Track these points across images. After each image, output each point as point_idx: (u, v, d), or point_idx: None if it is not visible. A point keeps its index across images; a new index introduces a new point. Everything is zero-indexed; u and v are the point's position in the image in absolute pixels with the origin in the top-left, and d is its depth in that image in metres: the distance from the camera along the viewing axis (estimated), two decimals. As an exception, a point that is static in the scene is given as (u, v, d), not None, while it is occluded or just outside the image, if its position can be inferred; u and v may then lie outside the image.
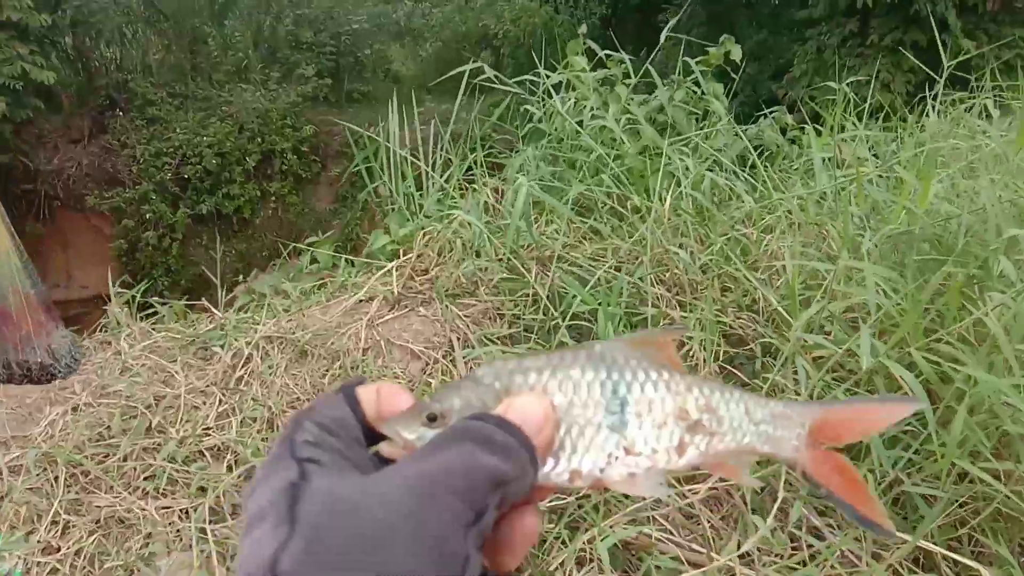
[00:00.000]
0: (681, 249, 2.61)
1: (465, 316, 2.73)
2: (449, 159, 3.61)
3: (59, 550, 2.05)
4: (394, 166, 3.58)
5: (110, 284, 3.44)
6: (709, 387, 0.54)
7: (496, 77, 3.38)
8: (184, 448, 2.33)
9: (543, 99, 3.61)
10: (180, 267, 14.24)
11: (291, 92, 13.73)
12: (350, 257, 3.36)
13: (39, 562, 2.01)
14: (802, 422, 0.55)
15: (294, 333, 2.77)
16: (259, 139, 13.26)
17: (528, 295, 2.70)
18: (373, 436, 0.50)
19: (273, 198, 14.60)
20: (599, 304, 2.38)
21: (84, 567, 2.03)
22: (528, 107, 3.69)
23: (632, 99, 3.54)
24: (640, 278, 2.68)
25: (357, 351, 2.66)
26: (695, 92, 3.67)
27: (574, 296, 2.47)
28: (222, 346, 2.74)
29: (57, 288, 15.11)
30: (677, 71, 3.67)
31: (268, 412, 2.45)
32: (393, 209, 3.55)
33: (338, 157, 14.43)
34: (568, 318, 2.45)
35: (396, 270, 2.99)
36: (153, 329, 2.91)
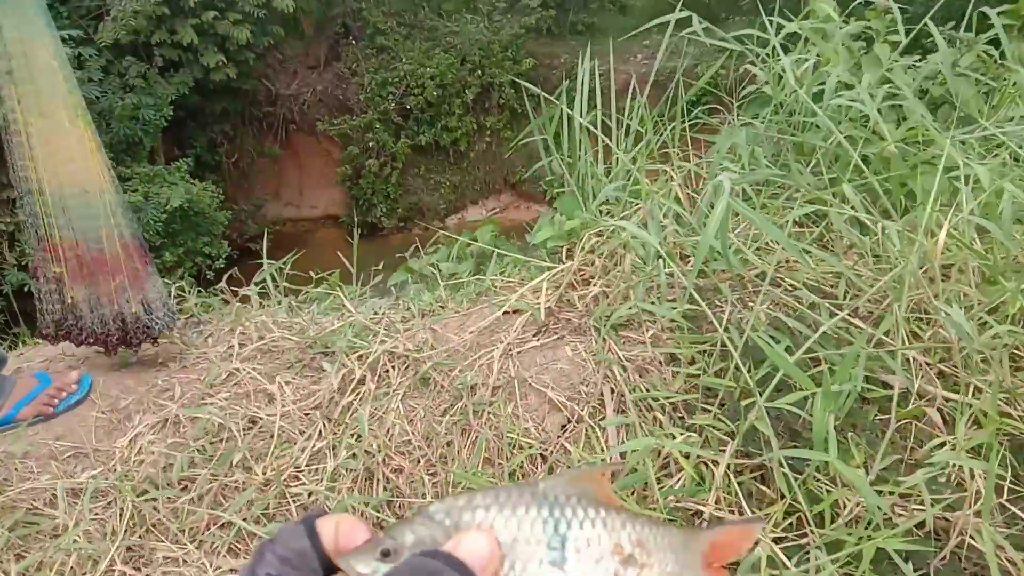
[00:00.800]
0: (952, 306, 1.75)
1: (628, 359, 2.07)
2: (640, 130, 2.88)
3: (109, 609, 1.75)
4: (571, 135, 2.92)
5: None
6: (640, 523, 0.59)
7: (708, 28, 2.57)
8: (267, 494, 1.94)
9: (770, 57, 2.75)
10: (398, 195, 14.64)
11: (514, 23, 13.30)
12: (505, 252, 2.79)
13: (82, 624, 1.72)
14: (701, 548, 0.62)
15: (420, 351, 2.28)
16: (479, 71, 13.04)
17: (716, 342, 1.99)
18: (332, 568, 0.54)
19: (488, 132, 14.46)
20: (814, 390, 1.62)
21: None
22: (751, 66, 2.85)
23: (896, 63, 2.58)
24: (886, 333, 1.87)
25: (486, 388, 2.12)
26: (990, 57, 2.62)
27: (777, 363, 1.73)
28: (346, 352, 2.32)
29: (290, 206, 16.22)
30: (965, 24, 2.63)
31: (369, 460, 1.99)
32: (564, 191, 2.91)
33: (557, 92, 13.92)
34: (769, 391, 1.73)
35: (550, 280, 2.38)
36: (274, 325, 2.56)
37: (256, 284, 2.88)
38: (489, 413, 2.05)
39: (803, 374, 1.66)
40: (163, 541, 1.86)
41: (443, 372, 2.19)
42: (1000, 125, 2.45)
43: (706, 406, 1.89)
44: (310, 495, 1.95)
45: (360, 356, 2.29)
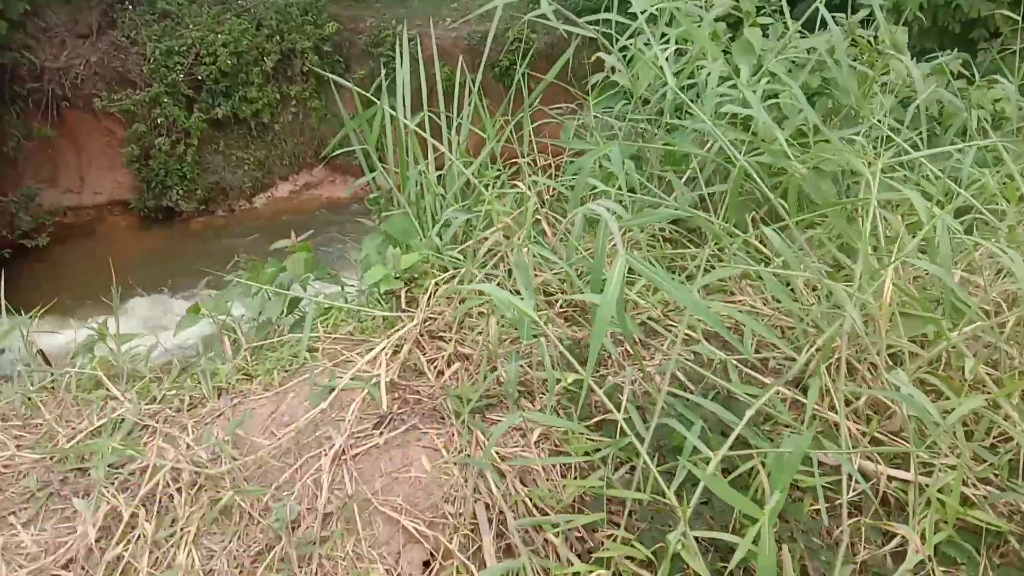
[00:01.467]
0: (899, 372, 1.41)
1: (505, 455, 1.58)
2: (481, 134, 2.36)
3: None
4: (398, 137, 2.35)
5: None
6: None
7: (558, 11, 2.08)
8: None
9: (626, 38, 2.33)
10: (196, 174, 13.26)
11: (312, -16, 12.32)
12: (329, 303, 2.19)
13: None
14: None
15: (216, 463, 1.67)
16: (278, 37, 11.98)
17: (616, 424, 1.54)
18: None
19: (294, 102, 13.45)
20: (759, 516, 1.21)
21: None
22: (603, 53, 2.41)
23: (767, 50, 2.23)
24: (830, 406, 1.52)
25: (314, 517, 1.55)
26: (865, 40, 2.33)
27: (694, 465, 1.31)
28: (105, 482, 1.65)
29: (69, 193, 14.27)
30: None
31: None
32: (392, 209, 2.35)
33: (363, 57, 13.08)
34: (693, 504, 1.31)
35: (389, 349, 1.83)
36: (4, 432, 1.82)
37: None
38: (322, 557, 1.49)
39: (746, 500, 1.24)
40: None
41: (251, 499, 1.60)
42: (880, 121, 2.18)
43: (614, 522, 1.44)
44: None
45: (126, 483, 1.63)
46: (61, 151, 13.98)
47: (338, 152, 2.82)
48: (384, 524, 1.53)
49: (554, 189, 2.25)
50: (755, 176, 1.86)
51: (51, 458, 1.77)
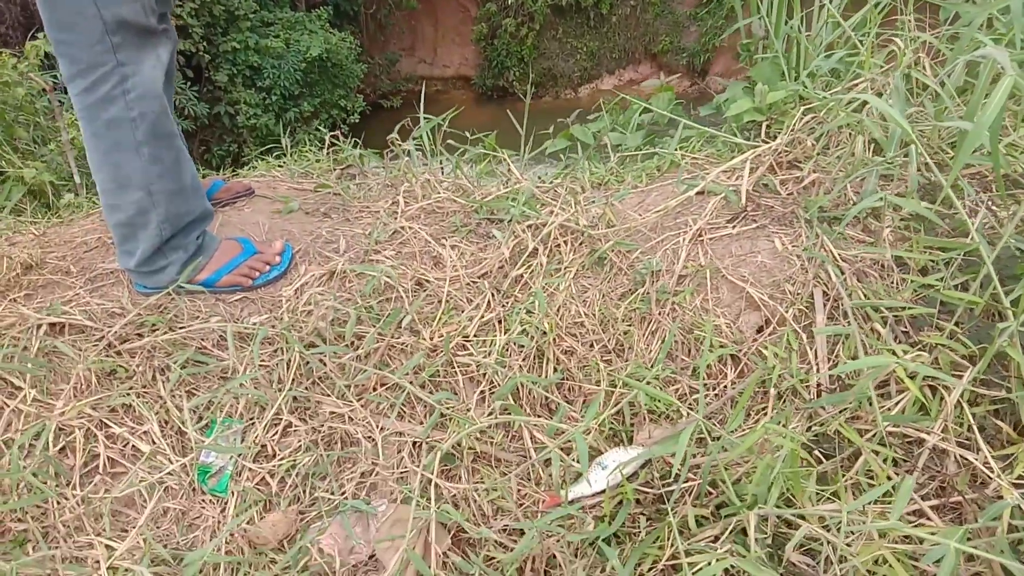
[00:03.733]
0: None
1: (847, 259, 1.80)
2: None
3: (274, 457, 1.73)
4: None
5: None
6: None
7: None
8: (434, 360, 1.84)
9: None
10: (532, 59, 14.11)
11: None
12: (692, 125, 2.49)
13: (250, 468, 1.70)
14: None
15: (595, 228, 2.09)
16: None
17: (959, 250, 1.69)
18: None
19: (635, -5, 13.60)
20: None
21: (294, 486, 1.69)
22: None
23: None
24: None
25: (671, 276, 1.91)
26: None
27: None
28: (507, 220, 2.15)
29: (423, 64, 15.97)
30: None
31: (540, 339, 1.85)
32: (763, 55, 2.55)
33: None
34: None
35: (750, 161, 2.09)
36: (440, 184, 2.41)
37: (414, 139, 2.72)
38: (674, 303, 1.86)
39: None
40: (329, 395, 1.81)
41: (621, 253, 2.00)
42: None
43: (940, 322, 1.62)
44: (478, 367, 1.84)
45: (531, 226, 2.12)
46: (421, 23, 15.58)
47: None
48: (729, 291, 1.85)
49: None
50: None
51: (471, 208, 2.31)
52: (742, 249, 1.92)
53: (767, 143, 2.18)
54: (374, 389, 1.83)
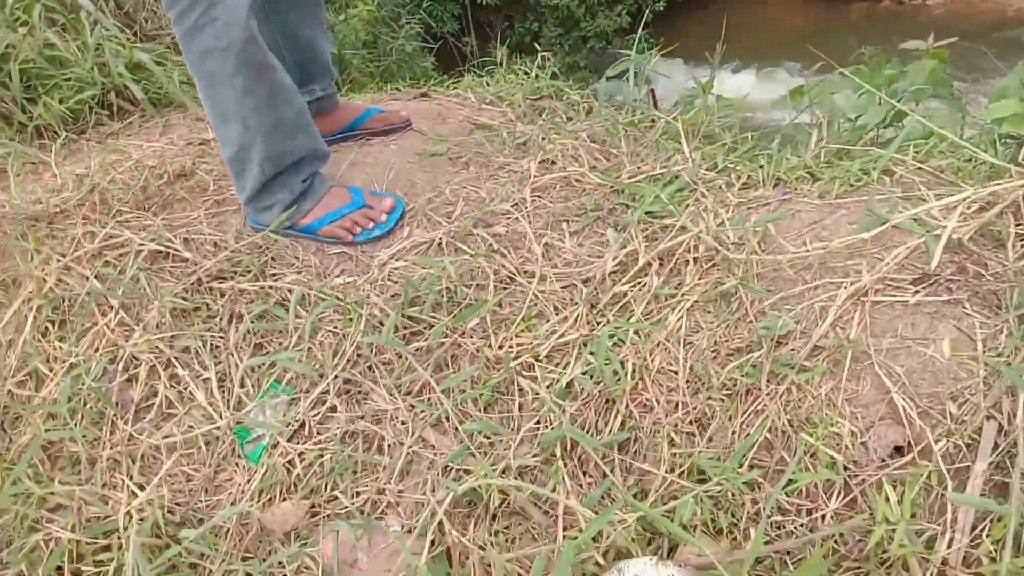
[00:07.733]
0: None
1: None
2: None
3: (308, 439, 1.65)
4: None
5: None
6: None
7: None
8: (492, 375, 1.61)
9: None
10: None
11: None
12: (934, 115, 1.84)
13: (283, 446, 1.64)
14: None
15: (738, 250, 1.64)
16: None
17: None
18: None
19: None
20: None
21: (318, 475, 1.61)
22: None
23: None
24: None
25: (805, 343, 1.44)
26: None
27: None
28: (637, 223, 1.78)
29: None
30: None
31: (614, 384, 1.52)
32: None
33: None
34: None
35: (976, 203, 1.48)
36: (582, 148, 2.05)
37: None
38: (794, 384, 1.41)
39: None
40: (378, 386, 1.67)
41: (753, 296, 1.55)
42: None
43: None
44: (533, 399, 1.57)
45: (649, 235, 1.73)
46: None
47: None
48: (872, 385, 1.36)
49: None
50: None
51: (609, 188, 1.95)
52: (914, 330, 1.39)
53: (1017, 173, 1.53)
54: (420, 393, 1.65)
